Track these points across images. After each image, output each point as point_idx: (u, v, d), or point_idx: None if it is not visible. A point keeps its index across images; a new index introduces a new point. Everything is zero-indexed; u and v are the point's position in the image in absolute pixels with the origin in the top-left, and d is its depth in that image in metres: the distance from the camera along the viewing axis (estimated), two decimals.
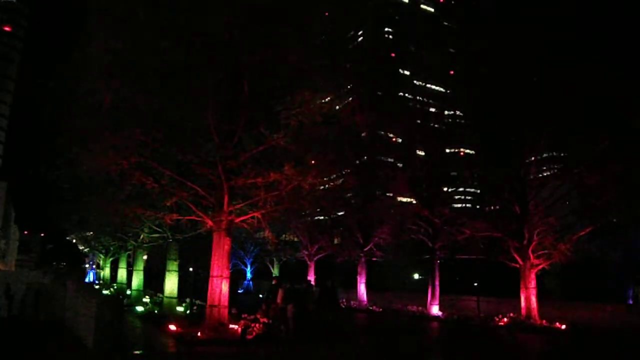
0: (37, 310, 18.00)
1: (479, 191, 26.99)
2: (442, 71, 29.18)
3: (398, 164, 30.57)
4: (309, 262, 34.62)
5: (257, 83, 13.90)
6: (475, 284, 23.98)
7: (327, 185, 24.65)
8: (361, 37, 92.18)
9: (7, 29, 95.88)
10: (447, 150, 26.09)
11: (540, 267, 19.73)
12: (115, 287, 30.98)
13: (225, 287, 14.32)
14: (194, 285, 22.15)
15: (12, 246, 60.01)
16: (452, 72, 27.18)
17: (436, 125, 26.66)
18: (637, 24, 17.64)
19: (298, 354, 12.64)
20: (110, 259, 37.41)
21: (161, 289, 21.39)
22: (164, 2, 13.56)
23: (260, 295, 29.00)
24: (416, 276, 32.11)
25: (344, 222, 31.87)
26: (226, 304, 14.33)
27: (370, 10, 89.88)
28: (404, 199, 27.80)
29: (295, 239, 36.71)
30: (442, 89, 33.86)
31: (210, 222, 14.56)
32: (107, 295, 24.97)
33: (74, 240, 50.81)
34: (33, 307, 18.11)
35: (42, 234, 79.65)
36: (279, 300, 14.84)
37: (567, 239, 18.65)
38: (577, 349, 15.61)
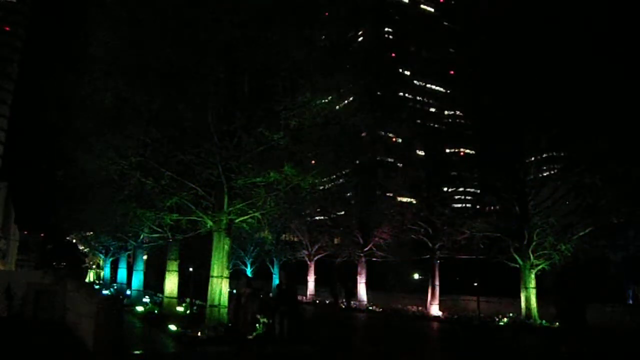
0: (37, 310, 18.00)
1: (479, 191, 26.99)
2: (442, 71, 29.21)
3: (398, 164, 30.62)
4: (309, 262, 34.65)
5: (257, 83, 13.90)
6: (475, 284, 23.97)
7: (327, 185, 24.71)
8: (361, 38, 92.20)
9: (7, 29, 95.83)
10: (447, 150, 26.12)
11: (540, 267, 19.73)
12: (115, 287, 30.97)
13: (225, 287, 14.32)
14: (195, 285, 22.13)
15: (12, 246, 60.01)
16: (452, 72, 27.21)
17: (436, 125, 26.70)
18: (636, 24, 17.65)
19: (298, 354, 12.63)
20: (110, 259, 37.41)
21: (161, 289, 21.38)
22: (164, 1, 13.56)
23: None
24: (416, 276, 32.07)
25: (344, 222, 31.90)
26: (226, 304, 14.33)
27: (370, 10, 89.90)
28: (404, 199, 27.82)
29: (295, 239, 36.73)
30: (442, 89, 33.89)
31: (210, 222, 14.56)
32: (107, 295, 24.96)
33: (74, 240, 50.86)
34: (33, 307, 18.11)
35: (42, 234, 79.66)
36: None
37: (567, 239, 18.66)
38: (576, 349, 15.58)
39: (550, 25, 19.03)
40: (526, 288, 19.60)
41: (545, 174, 20.95)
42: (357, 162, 31.20)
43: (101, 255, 39.17)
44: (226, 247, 14.43)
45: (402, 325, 21.75)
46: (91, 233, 33.35)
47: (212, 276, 14.32)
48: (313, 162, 14.87)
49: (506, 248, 20.09)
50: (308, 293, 34.39)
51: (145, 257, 27.56)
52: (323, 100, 14.34)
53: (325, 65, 14.38)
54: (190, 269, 24.78)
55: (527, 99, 19.33)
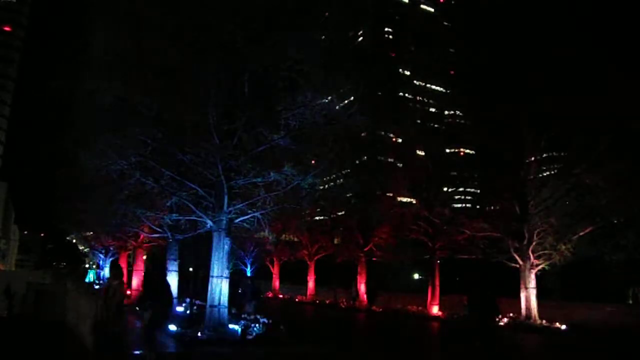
0: (37, 310, 17.96)
1: (479, 191, 26.99)
2: (442, 71, 29.24)
3: (398, 164, 30.62)
4: (309, 262, 34.64)
5: (257, 83, 13.89)
6: None
7: (327, 185, 24.71)
8: (361, 37, 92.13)
9: (7, 29, 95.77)
10: (447, 150, 26.11)
11: (540, 267, 19.73)
12: None
13: (225, 287, 14.31)
14: (194, 285, 22.13)
15: (12, 246, 60.02)
16: (452, 72, 27.22)
17: (436, 125, 26.72)
18: (637, 24, 17.65)
19: (298, 354, 12.63)
20: (110, 259, 37.41)
21: None
22: (165, 1, 13.56)
23: None
24: (416, 276, 32.10)
25: (344, 222, 31.89)
26: (226, 304, 14.33)
27: (370, 10, 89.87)
28: (404, 199, 27.81)
29: (295, 239, 36.74)
30: (442, 89, 33.92)
31: (210, 222, 14.55)
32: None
33: (74, 240, 50.90)
34: (33, 307, 18.08)
35: (42, 234, 79.67)
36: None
37: (567, 239, 18.65)
38: (576, 349, 15.60)
39: (550, 24, 19.04)
40: (526, 288, 19.59)
41: (545, 174, 20.94)
42: (357, 162, 31.19)
43: (101, 255, 39.18)
44: (226, 247, 14.42)
45: (402, 325, 21.73)
46: (91, 233, 33.37)
47: (212, 276, 14.30)
48: (313, 162, 14.87)
49: (506, 248, 20.09)
50: (308, 293, 34.39)
51: (145, 257, 27.57)
52: (323, 100, 14.33)
53: (325, 65, 14.37)
54: (190, 269, 24.78)
55: (527, 98, 19.33)
